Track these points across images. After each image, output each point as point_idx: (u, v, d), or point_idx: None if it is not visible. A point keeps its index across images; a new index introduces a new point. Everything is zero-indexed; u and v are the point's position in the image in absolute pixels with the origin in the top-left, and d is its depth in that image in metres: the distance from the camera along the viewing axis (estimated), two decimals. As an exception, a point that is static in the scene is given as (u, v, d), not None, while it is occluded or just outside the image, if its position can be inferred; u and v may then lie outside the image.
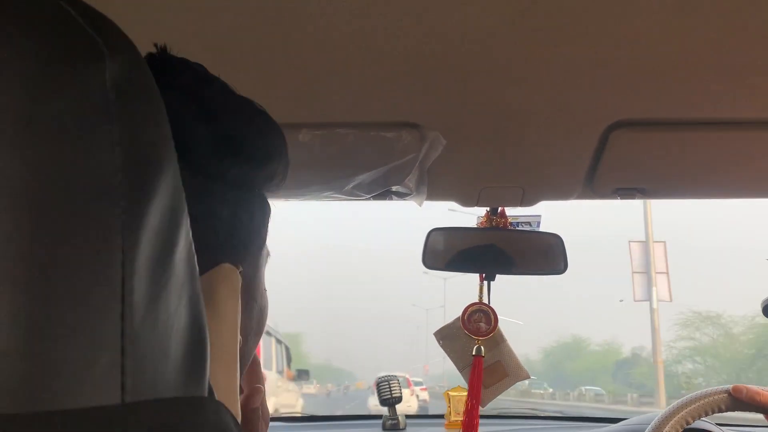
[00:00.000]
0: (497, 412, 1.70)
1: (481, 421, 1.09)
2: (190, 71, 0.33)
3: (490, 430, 1.42)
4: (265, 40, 0.59)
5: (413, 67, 0.62)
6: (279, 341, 8.23)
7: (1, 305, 0.18)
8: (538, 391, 22.21)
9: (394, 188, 0.82)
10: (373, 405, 10.05)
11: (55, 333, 0.18)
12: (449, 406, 1.37)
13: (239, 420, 0.33)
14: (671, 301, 12.80)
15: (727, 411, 0.94)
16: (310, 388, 25.33)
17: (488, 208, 1.04)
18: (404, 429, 1.48)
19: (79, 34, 0.20)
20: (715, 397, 0.93)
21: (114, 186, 0.20)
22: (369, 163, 0.78)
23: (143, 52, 0.25)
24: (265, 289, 0.39)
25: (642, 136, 0.75)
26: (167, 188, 0.22)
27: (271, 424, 1.60)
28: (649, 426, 0.95)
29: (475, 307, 1.10)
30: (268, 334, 7.15)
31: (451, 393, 1.34)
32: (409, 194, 0.85)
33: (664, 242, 12.99)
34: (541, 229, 1.09)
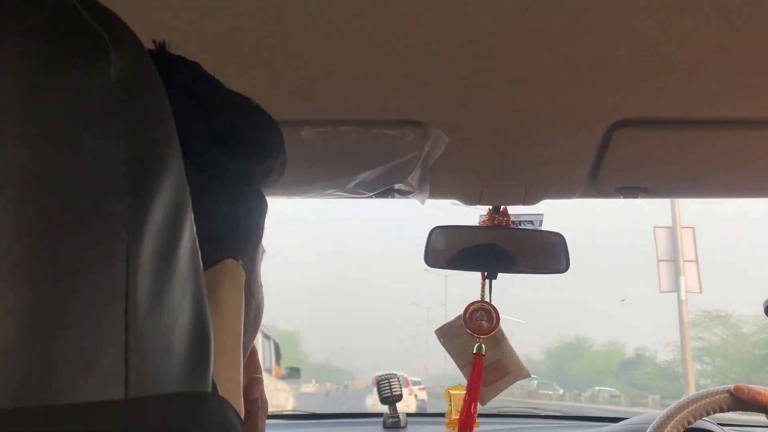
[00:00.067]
0: (498, 410, 1.71)
1: (481, 419, 1.11)
2: (187, 69, 0.34)
3: (490, 429, 1.43)
4: (268, 38, 0.60)
5: (416, 66, 0.63)
6: (267, 336, 7.85)
7: (5, 300, 0.18)
8: (546, 392, 21.21)
9: (396, 186, 0.83)
10: (371, 405, 9.98)
11: (59, 328, 0.18)
12: (450, 405, 1.38)
13: (242, 416, 0.33)
14: (701, 292, 11.49)
15: (728, 411, 0.94)
16: (309, 387, 25.32)
17: (490, 207, 1.06)
18: (405, 427, 1.49)
19: (84, 28, 0.20)
20: (717, 396, 0.94)
21: (118, 181, 0.20)
22: (372, 161, 0.78)
23: None
24: (261, 285, 0.40)
25: (645, 135, 0.76)
26: (172, 183, 0.22)
27: (272, 421, 1.61)
28: (651, 425, 0.96)
29: (477, 305, 1.12)
30: (255, 328, 6.90)
31: (452, 391, 1.35)
32: (412, 192, 0.86)
33: (693, 228, 11.51)
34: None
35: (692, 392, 1.04)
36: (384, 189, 0.83)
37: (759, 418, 0.98)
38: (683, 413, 0.94)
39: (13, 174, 0.18)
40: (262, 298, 0.40)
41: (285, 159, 0.38)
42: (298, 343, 36.25)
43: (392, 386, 1.53)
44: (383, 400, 1.53)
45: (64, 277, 0.19)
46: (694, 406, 0.94)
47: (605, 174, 0.85)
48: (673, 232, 11.43)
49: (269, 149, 0.36)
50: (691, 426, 0.95)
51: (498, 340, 1.10)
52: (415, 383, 16.40)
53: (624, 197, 0.92)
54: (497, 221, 1.05)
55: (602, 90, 0.67)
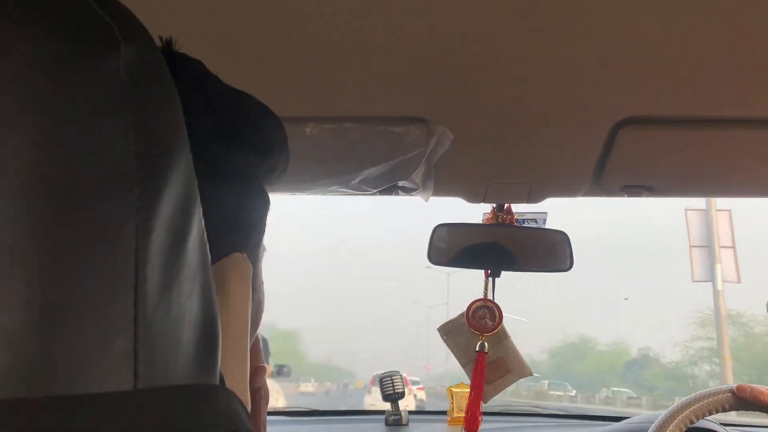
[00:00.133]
0: (500, 409, 1.72)
1: (483, 417, 1.12)
2: (190, 66, 0.34)
3: (492, 427, 1.44)
4: (273, 34, 0.60)
5: (421, 63, 0.64)
6: (256, 332, 7.79)
7: (14, 290, 0.18)
8: (556, 392, 19.92)
9: (400, 183, 0.84)
10: (370, 404, 10.00)
11: (68, 319, 0.19)
12: (452, 403, 1.40)
13: (249, 409, 0.34)
14: (739, 281, 10.26)
15: (731, 410, 0.95)
16: (308, 386, 25.31)
17: (494, 205, 1.07)
18: (407, 425, 1.50)
19: (94, 19, 0.20)
20: (719, 396, 0.94)
21: (128, 173, 0.20)
22: (376, 158, 0.79)
23: None
24: (262, 282, 0.40)
25: (650, 133, 0.76)
26: (180, 176, 0.22)
27: (274, 418, 1.63)
28: (653, 425, 0.97)
29: (480, 303, 1.13)
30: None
31: (454, 389, 1.37)
32: (416, 189, 0.86)
33: (729, 210, 10.51)
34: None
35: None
36: (388, 186, 0.84)
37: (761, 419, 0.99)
38: (686, 413, 0.95)
39: (23, 166, 0.18)
40: (263, 295, 0.41)
41: (288, 156, 0.39)
42: (297, 342, 36.23)
43: (395, 383, 1.54)
44: (385, 398, 1.54)
45: (73, 269, 0.19)
46: (697, 405, 0.95)
47: (610, 172, 0.86)
48: (707, 215, 10.44)
49: (272, 146, 0.37)
50: (693, 425, 0.96)
51: (500, 338, 1.11)
52: (414, 383, 16.41)
53: (628, 196, 0.93)
54: (501, 219, 1.06)
55: (607, 88, 0.68)
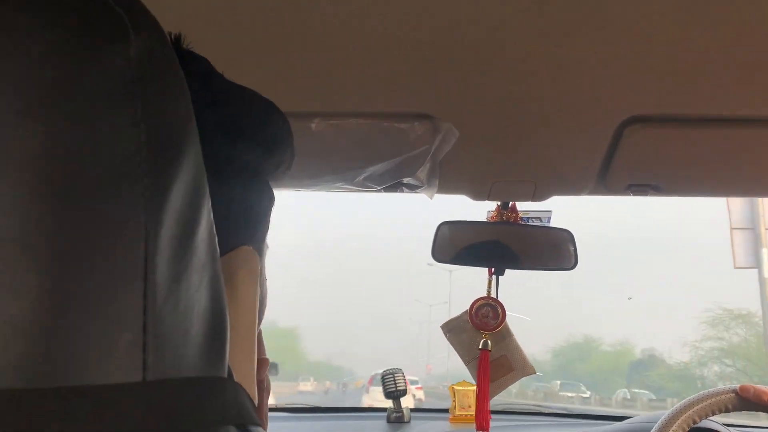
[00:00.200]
0: (502, 407, 1.73)
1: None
2: (196, 63, 0.35)
3: (494, 425, 1.45)
4: (278, 31, 0.61)
5: (427, 59, 0.65)
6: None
7: (25, 281, 0.18)
8: (566, 394, 18.91)
9: (405, 180, 0.84)
10: (368, 403, 10.05)
11: (77, 309, 0.19)
12: (454, 401, 1.42)
13: (256, 402, 0.35)
14: None
15: (734, 411, 0.95)
16: (307, 385, 25.29)
17: (499, 203, 1.08)
18: (409, 422, 1.50)
19: (105, 9, 0.20)
20: (723, 396, 0.95)
21: (138, 163, 0.20)
22: (381, 154, 0.80)
23: None
24: (265, 278, 0.41)
25: (656, 132, 0.77)
26: (190, 167, 0.22)
27: (275, 414, 1.64)
28: (656, 425, 0.98)
29: (483, 301, 1.14)
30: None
31: (456, 387, 1.39)
32: (421, 187, 0.87)
33: None
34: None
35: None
36: (393, 183, 0.84)
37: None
38: (689, 413, 0.95)
39: (33, 156, 0.19)
40: (266, 291, 0.41)
41: (294, 152, 0.39)
42: (297, 341, 36.22)
43: (397, 381, 1.56)
44: (387, 395, 1.55)
45: (82, 260, 0.19)
46: (700, 405, 0.95)
47: (615, 171, 0.86)
48: (750, 195, 9.54)
49: (278, 142, 0.37)
50: (696, 425, 0.97)
51: (503, 336, 1.12)
52: (413, 382, 16.42)
53: (634, 194, 0.93)
54: (506, 217, 1.07)
55: (613, 87, 0.69)
